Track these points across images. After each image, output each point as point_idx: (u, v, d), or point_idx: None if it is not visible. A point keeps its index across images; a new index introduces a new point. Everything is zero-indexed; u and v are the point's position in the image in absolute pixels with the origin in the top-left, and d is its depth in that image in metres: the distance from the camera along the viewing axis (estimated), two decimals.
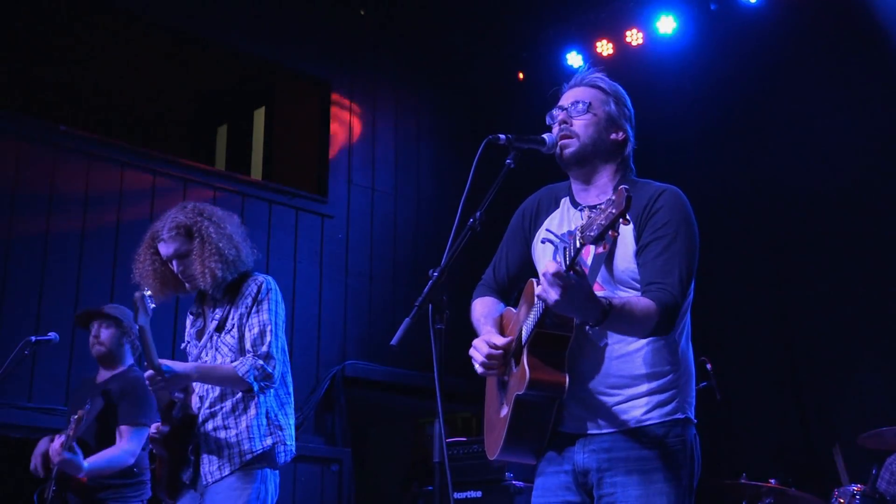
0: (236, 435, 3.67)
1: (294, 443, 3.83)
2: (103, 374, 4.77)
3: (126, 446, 4.48)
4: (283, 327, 3.85)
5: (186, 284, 3.85)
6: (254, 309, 3.76)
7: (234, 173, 8.58)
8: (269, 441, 3.70)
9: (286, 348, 3.86)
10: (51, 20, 8.03)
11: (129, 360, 4.79)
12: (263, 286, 3.81)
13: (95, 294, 6.84)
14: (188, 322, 4.00)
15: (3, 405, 6.23)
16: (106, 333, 4.74)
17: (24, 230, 6.75)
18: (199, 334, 3.91)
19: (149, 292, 3.64)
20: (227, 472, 3.64)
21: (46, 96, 8.23)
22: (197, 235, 3.79)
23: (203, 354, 3.83)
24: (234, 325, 3.78)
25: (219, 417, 3.72)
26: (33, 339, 4.71)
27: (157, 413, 4.52)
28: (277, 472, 3.77)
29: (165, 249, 3.83)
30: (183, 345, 4.00)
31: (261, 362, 3.66)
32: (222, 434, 3.69)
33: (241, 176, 8.55)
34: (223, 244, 3.79)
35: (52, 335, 4.77)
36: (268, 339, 3.72)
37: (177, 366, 3.58)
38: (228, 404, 3.72)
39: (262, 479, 3.68)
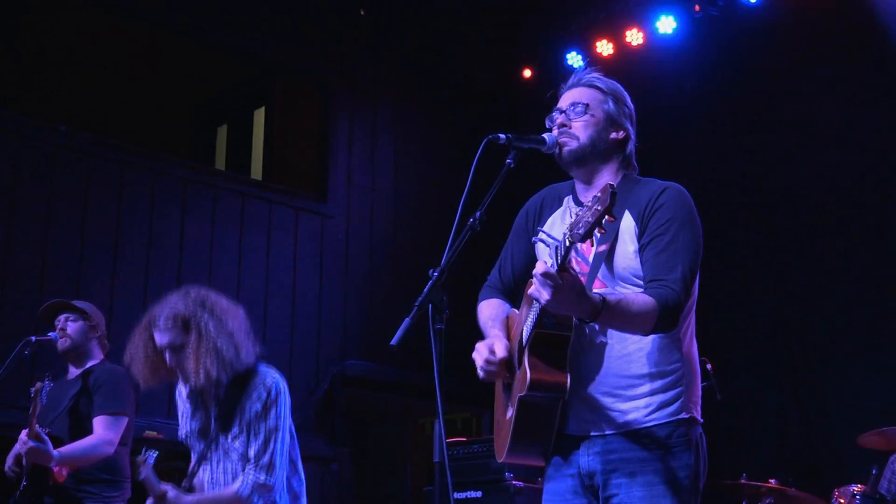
0: None
1: None
2: (73, 372, 4.68)
3: (104, 436, 4.38)
4: (291, 425, 3.73)
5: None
6: (262, 415, 3.61)
7: (234, 173, 8.58)
8: None
9: (293, 446, 3.73)
10: (51, 20, 8.03)
11: (99, 356, 4.69)
12: (272, 391, 3.64)
13: (95, 294, 6.84)
14: (183, 406, 3.82)
15: (3, 405, 6.22)
16: (73, 326, 4.65)
17: (23, 230, 6.75)
18: (203, 432, 3.73)
19: (153, 455, 3.56)
20: None
21: (46, 96, 8.23)
22: (194, 329, 3.57)
23: (211, 458, 3.68)
24: (242, 430, 3.62)
25: None
26: (33, 339, 4.67)
27: (132, 403, 4.52)
28: None
29: (160, 339, 3.61)
30: (181, 433, 3.83)
31: (262, 477, 3.56)
32: None
33: (241, 176, 8.55)
34: (221, 342, 3.56)
35: (52, 335, 4.73)
36: (271, 447, 3.60)
37: (180, 501, 3.54)
38: None
39: None
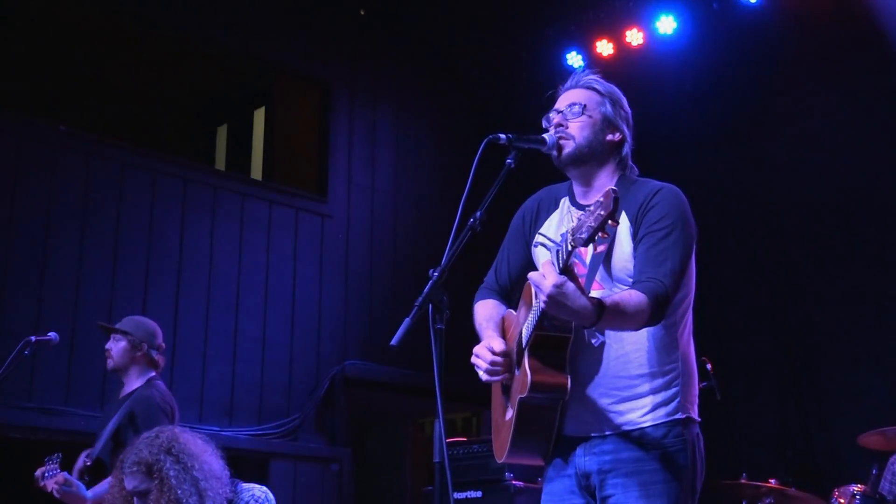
0: None
1: None
2: (123, 391, 4.76)
3: None
4: None
5: None
6: None
7: (234, 173, 8.58)
8: None
9: None
10: (51, 20, 8.03)
11: (146, 373, 4.72)
12: (262, 501, 3.68)
13: (96, 294, 6.84)
14: None
15: (3, 405, 6.23)
16: (116, 347, 4.73)
17: (24, 230, 6.75)
18: None
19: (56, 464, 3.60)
20: None
21: (46, 96, 8.23)
22: (157, 476, 3.54)
23: None
24: None
25: None
26: (33, 339, 4.67)
27: None
28: None
29: (126, 483, 3.62)
30: None
31: None
32: None
33: (241, 176, 8.55)
34: (183, 491, 3.52)
35: (52, 335, 4.74)
36: None
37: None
38: None
39: None
